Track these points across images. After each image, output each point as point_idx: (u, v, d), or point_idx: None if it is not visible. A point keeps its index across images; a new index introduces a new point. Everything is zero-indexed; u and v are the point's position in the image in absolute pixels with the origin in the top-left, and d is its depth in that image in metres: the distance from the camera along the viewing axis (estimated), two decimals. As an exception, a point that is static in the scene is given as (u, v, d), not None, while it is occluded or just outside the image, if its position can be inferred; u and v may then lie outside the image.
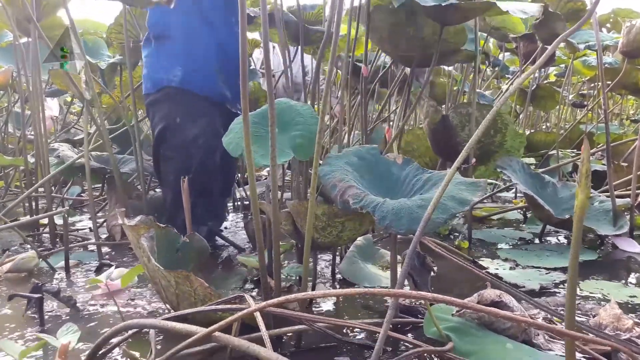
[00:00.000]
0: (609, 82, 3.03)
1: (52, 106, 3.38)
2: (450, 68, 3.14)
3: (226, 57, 1.87)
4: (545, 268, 1.68)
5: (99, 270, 1.71)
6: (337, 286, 1.55)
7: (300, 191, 1.76)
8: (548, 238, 2.11)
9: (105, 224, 2.25)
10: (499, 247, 1.96)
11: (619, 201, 1.97)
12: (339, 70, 2.71)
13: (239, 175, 2.77)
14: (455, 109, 2.08)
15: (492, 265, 1.70)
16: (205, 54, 1.84)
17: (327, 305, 1.41)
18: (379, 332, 0.88)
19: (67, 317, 1.31)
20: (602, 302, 1.39)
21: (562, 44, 3.16)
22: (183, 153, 1.84)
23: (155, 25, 1.87)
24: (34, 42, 2.10)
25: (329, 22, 1.37)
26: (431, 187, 1.25)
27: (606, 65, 3.03)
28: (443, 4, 1.58)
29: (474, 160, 1.93)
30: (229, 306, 1.03)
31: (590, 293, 1.46)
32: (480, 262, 1.73)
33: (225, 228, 2.31)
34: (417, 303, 1.26)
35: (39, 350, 1.08)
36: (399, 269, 1.24)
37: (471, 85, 3.20)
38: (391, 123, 3.10)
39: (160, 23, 1.86)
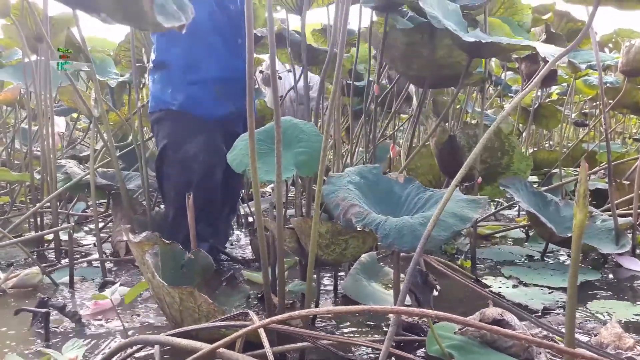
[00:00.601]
0: (610, 101, 3.05)
1: (58, 122, 3.43)
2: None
3: (230, 78, 1.90)
4: (548, 287, 1.68)
5: (102, 287, 1.71)
6: (339, 303, 1.55)
7: (304, 208, 1.78)
8: (551, 256, 2.11)
9: (110, 239, 2.27)
10: (504, 265, 1.96)
11: (621, 220, 1.98)
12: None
13: (244, 191, 2.78)
14: (462, 130, 2.11)
15: (495, 284, 1.70)
16: (206, 79, 1.87)
17: (330, 322, 1.41)
18: (381, 350, 0.89)
19: (72, 333, 1.32)
20: (608, 320, 1.39)
21: (564, 64, 3.18)
22: (183, 170, 1.88)
23: (159, 50, 1.92)
24: (44, 60, 2.14)
25: (332, 43, 1.39)
26: (433, 205, 1.26)
27: (607, 84, 3.05)
28: (483, 41, 1.60)
29: (479, 179, 1.94)
30: (233, 322, 1.04)
31: (597, 312, 1.47)
32: (484, 281, 1.74)
33: (231, 244, 2.32)
34: (420, 321, 1.27)
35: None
36: (402, 287, 1.25)
37: (475, 104, 3.23)
38: (399, 141, 3.12)
39: (164, 49, 1.90)
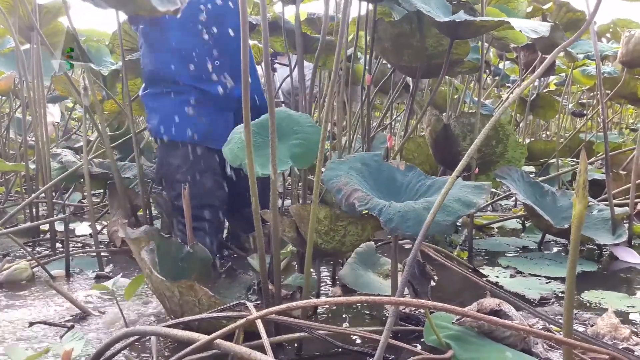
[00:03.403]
0: (608, 92, 3.04)
1: (53, 112, 3.40)
2: (449, 76, 3.15)
3: (203, 102, 1.84)
4: (545, 277, 1.68)
5: (97, 280, 1.70)
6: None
7: (300, 198, 1.77)
8: (547, 247, 2.11)
9: (105, 229, 2.26)
10: (500, 256, 1.96)
11: (617, 210, 1.98)
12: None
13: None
14: (457, 119, 2.09)
15: (492, 274, 1.71)
16: (179, 103, 1.83)
17: (328, 312, 1.41)
18: (379, 340, 0.88)
19: (75, 321, 1.32)
20: (600, 312, 1.39)
21: (561, 54, 3.17)
22: (171, 183, 1.89)
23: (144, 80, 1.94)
24: (36, 49, 2.11)
25: (322, 31, 1.38)
26: (435, 191, 1.26)
27: (605, 74, 3.05)
28: (457, 20, 1.58)
29: (476, 169, 1.93)
30: (230, 313, 1.03)
31: (590, 302, 1.47)
32: (481, 271, 1.74)
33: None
34: (418, 311, 1.27)
35: (45, 355, 1.08)
36: (399, 277, 1.25)
37: (472, 94, 3.22)
38: (394, 131, 3.11)
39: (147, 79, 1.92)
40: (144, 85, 1.95)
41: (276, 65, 3.89)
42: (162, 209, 2.08)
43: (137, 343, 1.14)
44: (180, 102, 1.83)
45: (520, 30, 1.60)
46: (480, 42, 2.01)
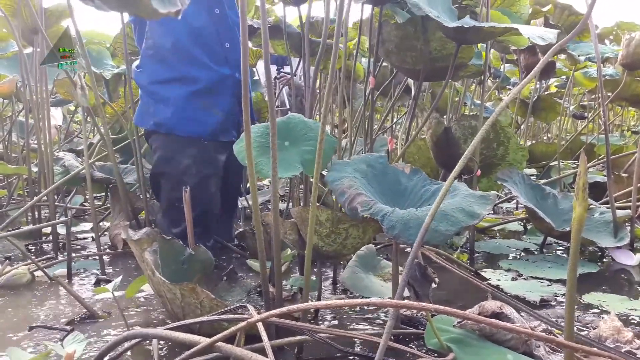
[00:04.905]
0: (610, 94, 3.04)
1: (56, 115, 3.41)
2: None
3: (215, 87, 1.83)
4: (547, 279, 1.68)
5: (97, 284, 1.70)
6: (340, 297, 1.55)
7: (301, 200, 1.77)
8: (549, 249, 2.11)
9: (107, 232, 2.26)
10: (502, 258, 1.96)
11: (619, 212, 1.98)
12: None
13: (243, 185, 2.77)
14: (458, 122, 2.10)
15: (494, 277, 1.71)
16: (192, 92, 1.80)
17: (329, 315, 1.41)
18: (379, 343, 0.88)
19: (75, 324, 1.32)
20: (602, 315, 1.39)
21: (563, 56, 3.18)
22: (176, 183, 1.82)
23: (142, 66, 1.86)
24: (40, 52, 2.12)
25: (324, 34, 1.38)
26: (442, 198, 1.25)
27: (607, 76, 3.05)
28: (465, 26, 1.58)
29: (478, 171, 1.94)
30: (231, 316, 1.03)
31: (591, 304, 1.47)
32: (482, 273, 1.74)
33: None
34: (419, 314, 1.26)
35: (46, 357, 1.08)
36: (400, 280, 1.25)
37: (473, 96, 3.22)
38: (395, 133, 3.11)
39: (147, 64, 1.85)
40: (143, 65, 1.85)
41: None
42: (155, 217, 2.07)
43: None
44: (193, 93, 1.79)
45: (528, 37, 1.60)
46: (481, 46, 2.02)
